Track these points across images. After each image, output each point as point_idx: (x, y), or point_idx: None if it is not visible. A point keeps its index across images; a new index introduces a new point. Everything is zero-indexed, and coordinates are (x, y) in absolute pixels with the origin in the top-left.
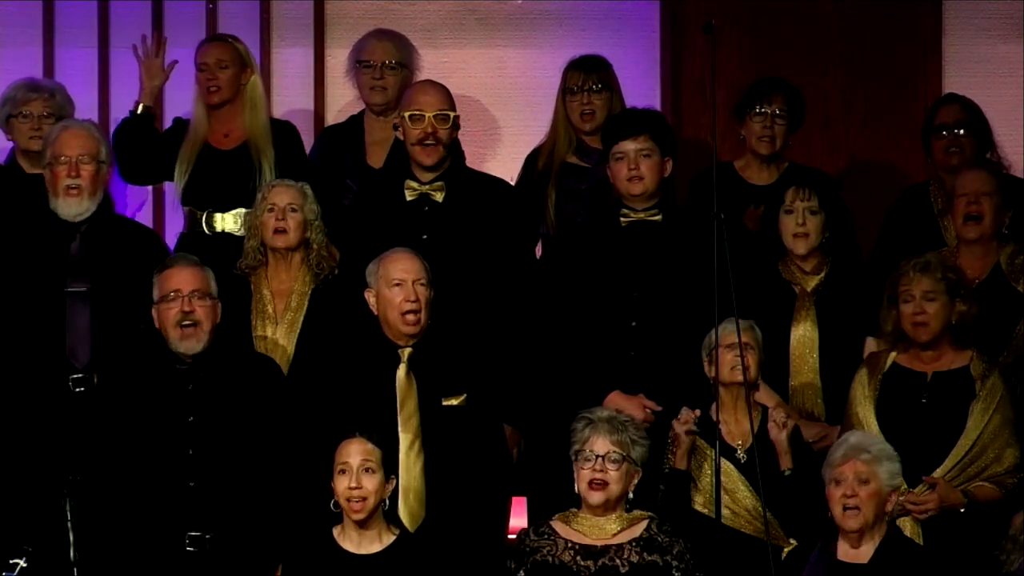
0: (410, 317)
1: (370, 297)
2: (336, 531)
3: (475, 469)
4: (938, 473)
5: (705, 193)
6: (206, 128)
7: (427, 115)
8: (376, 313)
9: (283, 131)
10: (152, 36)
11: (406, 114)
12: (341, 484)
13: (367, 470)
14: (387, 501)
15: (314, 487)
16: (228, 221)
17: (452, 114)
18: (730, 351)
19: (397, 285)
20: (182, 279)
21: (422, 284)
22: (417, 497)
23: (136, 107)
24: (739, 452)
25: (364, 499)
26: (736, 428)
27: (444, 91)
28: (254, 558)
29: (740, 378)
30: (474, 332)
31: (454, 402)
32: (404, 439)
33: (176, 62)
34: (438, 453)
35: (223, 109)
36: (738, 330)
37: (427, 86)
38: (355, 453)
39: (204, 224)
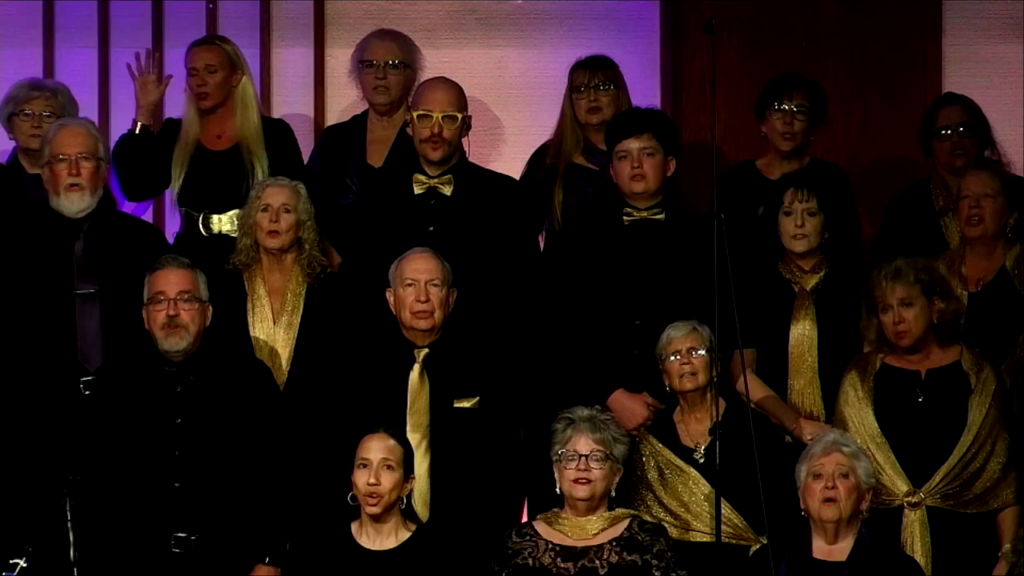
0: (421, 316)
1: (389, 296)
2: (354, 527)
3: (484, 472)
4: (944, 469)
5: (730, 190)
6: (197, 130)
7: (435, 115)
8: (395, 313)
9: (276, 130)
10: (145, 54)
11: (415, 113)
12: (360, 479)
13: (387, 467)
14: (404, 499)
15: (321, 484)
16: (225, 222)
17: (460, 115)
18: (677, 358)
19: (410, 285)
20: (169, 281)
21: (435, 285)
22: (422, 498)
23: (134, 126)
24: (697, 453)
25: (380, 496)
26: (696, 428)
27: (454, 90)
28: (239, 559)
29: (689, 386)
30: (488, 333)
31: (466, 404)
32: (412, 439)
33: (171, 77)
34: (446, 455)
35: (215, 112)
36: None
37: (438, 85)
38: (376, 449)
39: (201, 225)
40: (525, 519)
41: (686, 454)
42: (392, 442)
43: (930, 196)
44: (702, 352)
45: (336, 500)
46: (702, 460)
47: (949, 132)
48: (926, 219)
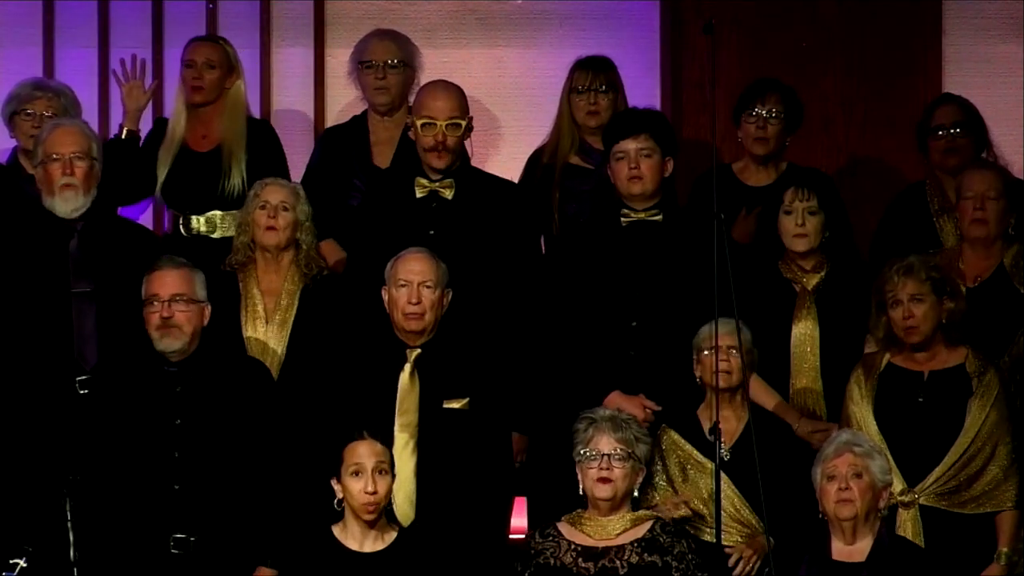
0: (412, 318)
1: (384, 295)
2: (336, 529)
3: (472, 472)
4: (938, 471)
5: (705, 195)
6: (184, 127)
7: (439, 123)
8: (388, 312)
9: (259, 131)
10: (131, 59)
11: (418, 122)
12: (355, 486)
13: (380, 472)
14: (392, 500)
15: (311, 486)
16: (203, 223)
17: (463, 122)
18: (713, 354)
19: (403, 286)
20: (163, 283)
21: (428, 286)
22: (407, 497)
23: (121, 131)
24: (724, 451)
25: (378, 502)
26: (723, 426)
27: (457, 96)
28: (238, 560)
29: (723, 383)
30: (482, 335)
31: (456, 405)
32: (399, 439)
33: (156, 83)
34: (433, 455)
35: (203, 110)
36: (714, 333)
37: (439, 91)
38: (368, 455)
39: (181, 225)
40: (522, 520)
41: (710, 451)
42: (380, 446)
43: (926, 197)
44: (738, 352)
45: (324, 502)
46: (728, 459)
47: (944, 132)
48: (922, 220)
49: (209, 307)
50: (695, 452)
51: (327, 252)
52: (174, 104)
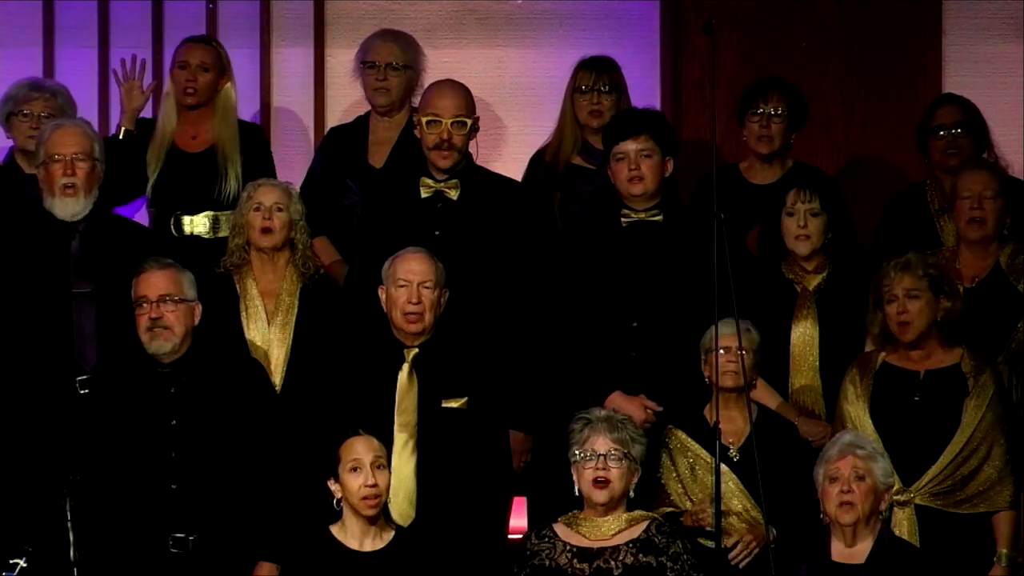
0: (411, 318)
1: (382, 294)
2: (335, 529)
3: (471, 471)
4: (933, 471)
5: (711, 194)
6: (174, 127)
7: (444, 121)
8: (386, 311)
9: (250, 135)
10: (131, 59)
11: (424, 119)
12: (355, 482)
13: (379, 467)
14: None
15: (309, 485)
16: (197, 224)
17: (469, 120)
18: (723, 354)
19: (403, 286)
20: (151, 285)
21: (427, 287)
22: (407, 497)
23: (118, 131)
24: (732, 451)
25: (379, 496)
26: (730, 426)
27: (462, 94)
28: (238, 558)
29: (730, 383)
30: (481, 334)
31: (454, 404)
32: (399, 439)
33: (155, 82)
34: (432, 454)
35: (193, 111)
36: (715, 335)
37: (446, 89)
38: (366, 450)
39: (172, 226)
40: (522, 520)
41: (720, 452)
42: (376, 441)
43: (926, 197)
44: (746, 353)
45: (323, 502)
46: (736, 459)
47: (945, 132)
48: (922, 220)
49: (200, 306)
50: (703, 452)
51: (319, 250)
52: (162, 104)
